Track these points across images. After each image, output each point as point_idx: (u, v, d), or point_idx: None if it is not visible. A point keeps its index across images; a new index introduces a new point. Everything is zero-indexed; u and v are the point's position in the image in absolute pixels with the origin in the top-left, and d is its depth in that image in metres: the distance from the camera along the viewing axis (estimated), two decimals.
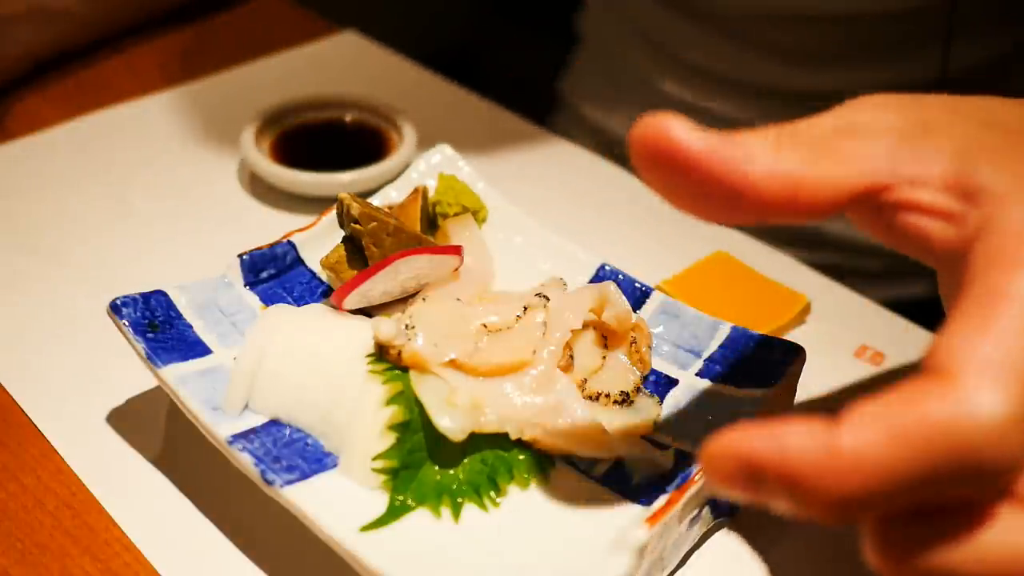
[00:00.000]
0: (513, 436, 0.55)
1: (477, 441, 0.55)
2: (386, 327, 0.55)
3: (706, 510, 0.54)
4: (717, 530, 0.58)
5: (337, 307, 0.60)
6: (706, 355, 0.61)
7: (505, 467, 0.55)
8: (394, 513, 0.52)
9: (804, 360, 0.57)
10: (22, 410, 0.64)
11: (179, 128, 0.93)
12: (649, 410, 0.59)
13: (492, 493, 0.55)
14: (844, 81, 0.95)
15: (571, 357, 0.59)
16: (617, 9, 1.08)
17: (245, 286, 0.63)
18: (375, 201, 0.69)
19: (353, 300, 0.59)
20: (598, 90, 1.13)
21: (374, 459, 0.53)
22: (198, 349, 0.58)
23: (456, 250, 0.63)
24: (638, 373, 0.61)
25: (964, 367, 0.33)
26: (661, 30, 1.02)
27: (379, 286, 0.60)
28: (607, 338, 0.61)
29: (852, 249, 1.01)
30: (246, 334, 0.59)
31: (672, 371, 0.61)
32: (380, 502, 0.53)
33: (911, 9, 0.90)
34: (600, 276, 0.66)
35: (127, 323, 0.57)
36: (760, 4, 0.93)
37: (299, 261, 0.66)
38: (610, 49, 1.10)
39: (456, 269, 0.63)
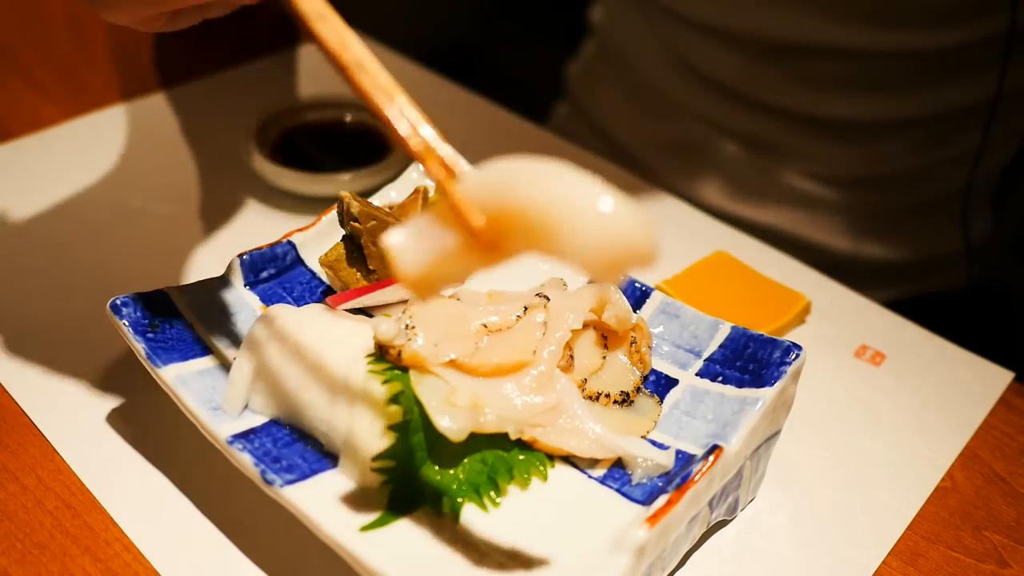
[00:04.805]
0: (513, 436, 0.55)
1: (477, 441, 0.55)
2: (386, 327, 0.55)
3: (706, 510, 0.54)
4: (717, 530, 0.59)
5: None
6: (706, 355, 0.61)
7: (505, 467, 0.55)
8: (394, 513, 0.52)
9: (804, 360, 0.57)
10: (22, 410, 0.64)
11: (179, 128, 0.93)
12: (649, 410, 0.59)
13: (492, 493, 0.55)
14: (866, 110, 0.92)
15: (571, 357, 0.59)
16: (638, 14, 1.04)
17: (245, 286, 0.63)
18: (375, 201, 0.69)
19: (347, 305, 0.60)
20: (604, 85, 1.11)
21: (374, 459, 0.53)
22: (198, 349, 0.58)
23: None
24: (638, 373, 0.60)
25: None
26: (686, 44, 0.98)
27: (374, 300, 0.60)
28: (607, 338, 0.61)
29: (852, 250, 1.01)
30: (246, 334, 0.59)
31: (672, 371, 0.61)
32: (380, 502, 0.53)
33: (971, 40, 0.87)
34: None
35: (127, 323, 0.57)
36: (809, 36, 0.89)
37: (299, 261, 0.66)
38: (621, 48, 1.08)
39: None
